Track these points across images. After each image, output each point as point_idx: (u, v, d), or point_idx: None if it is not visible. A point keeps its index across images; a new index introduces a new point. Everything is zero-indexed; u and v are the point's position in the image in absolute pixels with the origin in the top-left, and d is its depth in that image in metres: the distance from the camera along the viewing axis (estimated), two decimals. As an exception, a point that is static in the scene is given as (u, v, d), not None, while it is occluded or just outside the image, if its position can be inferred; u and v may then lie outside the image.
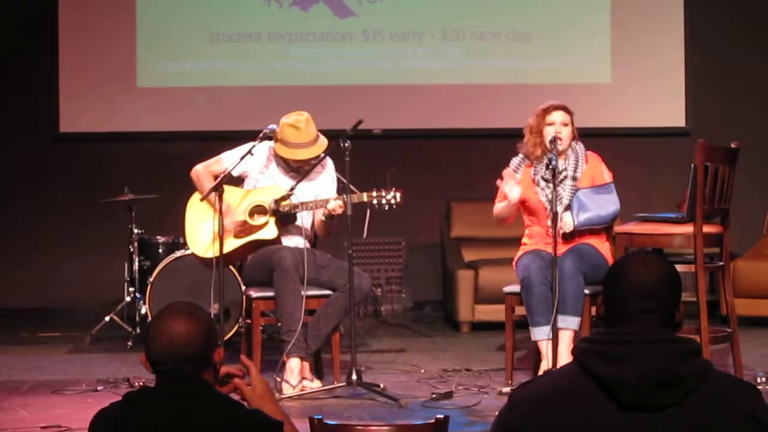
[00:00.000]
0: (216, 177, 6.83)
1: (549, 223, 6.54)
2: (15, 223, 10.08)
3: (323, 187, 6.93)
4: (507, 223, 6.84)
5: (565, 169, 6.66)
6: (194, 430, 2.88)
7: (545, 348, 6.41)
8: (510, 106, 10.12)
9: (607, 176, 6.78)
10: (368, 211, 6.68)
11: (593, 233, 6.70)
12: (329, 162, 7.03)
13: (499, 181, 6.72)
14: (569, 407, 2.63)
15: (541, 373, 6.38)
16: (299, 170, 6.90)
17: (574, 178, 6.67)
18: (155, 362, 3.00)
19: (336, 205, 6.63)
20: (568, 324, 6.33)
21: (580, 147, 6.78)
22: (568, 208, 6.63)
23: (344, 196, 6.58)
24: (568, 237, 6.61)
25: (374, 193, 6.64)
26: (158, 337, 2.99)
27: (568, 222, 6.60)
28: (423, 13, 10.29)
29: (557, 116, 6.68)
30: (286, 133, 6.81)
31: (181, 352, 2.97)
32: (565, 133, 6.67)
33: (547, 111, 6.71)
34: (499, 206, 6.79)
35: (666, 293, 2.75)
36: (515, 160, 6.81)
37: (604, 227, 6.75)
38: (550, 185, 6.52)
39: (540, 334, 6.42)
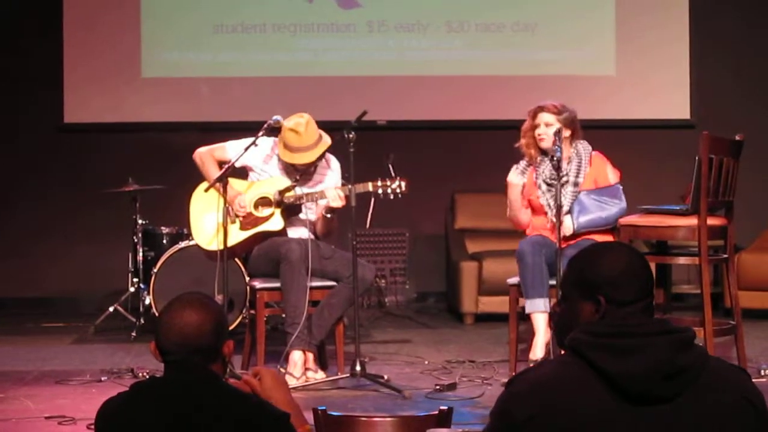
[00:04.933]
0: (220, 163, 6.85)
1: (548, 225, 6.62)
2: (19, 213, 10.08)
3: (328, 183, 6.94)
4: (523, 227, 6.86)
5: (567, 174, 6.68)
6: (201, 421, 2.88)
7: (539, 321, 6.46)
8: (514, 97, 10.11)
9: (612, 177, 6.78)
10: (372, 200, 6.69)
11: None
12: (335, 162, 7.02)
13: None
14: (569, 399, 2.63)
15: (533, 348, 6.47)
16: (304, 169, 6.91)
17: (576, 184, 6.67)
18: (164, 351, 3.00)
19: (336, 194, 6.64)
20: None
21: (584, 147, 6.76)
22: (569, 212, 6.64)
23: (348, 186, 6.58)
24: (571, 238, 6.63)
25: (379, 183, 6.65)
26: (169, 326, 2.99)
27: (567, 226, 6.61)
28: (427, 4, 10.28)
29: (542, 118, 6.72)
30: (287, 137, 6.79)
31: (191, 343, 2.96)
32: (550, 132, 6.67)
33: (535, 113, 6.74)
34: (513, 215, 6.87)
35: (651, 281, 2.77)
36: (520, 165, 6.82)
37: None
38: (551, 189, 6.60)
39: (533, 306, 6.47)
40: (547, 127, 6.68)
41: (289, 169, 6.94)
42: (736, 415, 2.65)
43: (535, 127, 6.72)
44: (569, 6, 10.30)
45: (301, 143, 6.77)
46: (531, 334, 6.56)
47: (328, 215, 6.77)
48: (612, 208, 6.67)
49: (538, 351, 6.45)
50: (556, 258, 6.34)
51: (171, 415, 2.89)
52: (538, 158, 6.73)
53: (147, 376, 6.44)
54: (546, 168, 6.70)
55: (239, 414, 2.90)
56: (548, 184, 6.66)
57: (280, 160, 6.95)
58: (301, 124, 6.77)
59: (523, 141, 6.79)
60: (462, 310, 9.20)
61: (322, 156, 6.88)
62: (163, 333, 3.00)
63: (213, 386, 2.96)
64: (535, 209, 6.81)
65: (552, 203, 6.61)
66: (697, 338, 2.73)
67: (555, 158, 6.44)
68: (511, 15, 10.27)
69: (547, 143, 6.67)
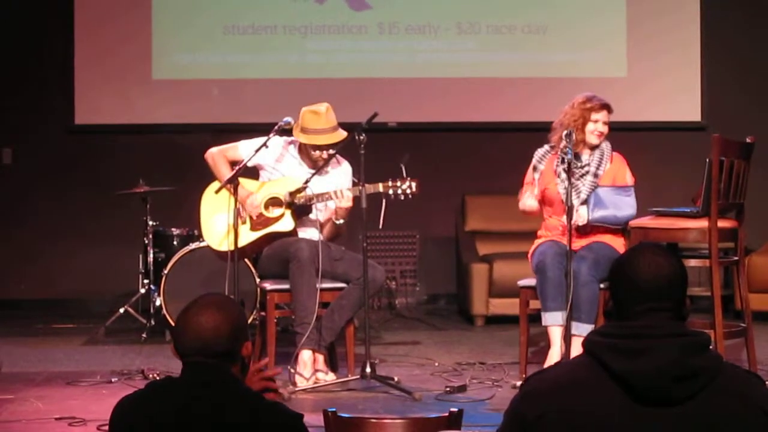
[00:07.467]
0: (231, 163, 6.86)
1: (564, 218, 6.56)
2: (30, 214, 10.10)
3: (338, 184, 6.93)
4: (534, 215, 6.86)
5: (588, 164, 6.68)
6: (214, 421, 2.87)
7: (555, 335, 6.46)
8: (525, 99, 10.12)
9: (629, 179, 6.81)
10: (384, 201, 6.68)
11: (608, 229, 6.70)
12: (346, 164, 7.03)
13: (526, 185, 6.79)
14: (582, 399, 2.64)
15: (548, 360, 6.46)
16: (315, 163, 6.90)
17: (596, 175, 6.68)
18: (183, 354, 2.99)
19: (345, 195, 6.64)
20: (582, 331, 6.31)
21: (606, 145, 6.79)
22: (585, 202, 6.64)
23: (359, 187, 6.58)
24: (581, 231, 6.62)
25: (390, 183, 6.65)
26: (186, 330, 2.98)
27: (582, 215, 6.61)
28: (438, 6, 10.28)
29: (603, 115, 6.74)
30: (306, 120, 6.82)
31: (208, 347, 2.95)
32: (605, 131, 6.76)
33: (593, 109, 6.73)
34: (523, 200, 6.85)
35: (678, 290, 2.77)
36: (540, 151, 6.82)
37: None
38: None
39: (551, 319, 6.47)
40: (604, 125, 6.73)
41: (301, 168, 6.93)
42: (750, 423, 2.66)
43: (593, 120, 6.71)
44: (580, 8, 10.29)
45: (318, 125, 6.79)
46: (547, 345, 6.56)
47: (339, 221, 6.77)
48: (627, 209, 6.69)
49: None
50: (567, 260, 6.33)
51: (185, 415, 2.89)
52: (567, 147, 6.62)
53: (157, 378, 6.45)
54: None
55: (252, 415, 2.90)
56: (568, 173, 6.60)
57: (293, 158, 6.95)
58: (320, 108, 6.83)
59: (567, 122, 6.68)
60: (472, 312, 9.20)
61: (337, 150, 6.87)
62: (180, 336, 2.99)
63: (227, 387, 2.95)
64: (550, 201, 6.77)
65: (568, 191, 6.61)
66: (711, 343, 2.74)
67: (567, 157, 6.42)
68: (522, 17, 10.27)
69: (598, 141, 6.71)
